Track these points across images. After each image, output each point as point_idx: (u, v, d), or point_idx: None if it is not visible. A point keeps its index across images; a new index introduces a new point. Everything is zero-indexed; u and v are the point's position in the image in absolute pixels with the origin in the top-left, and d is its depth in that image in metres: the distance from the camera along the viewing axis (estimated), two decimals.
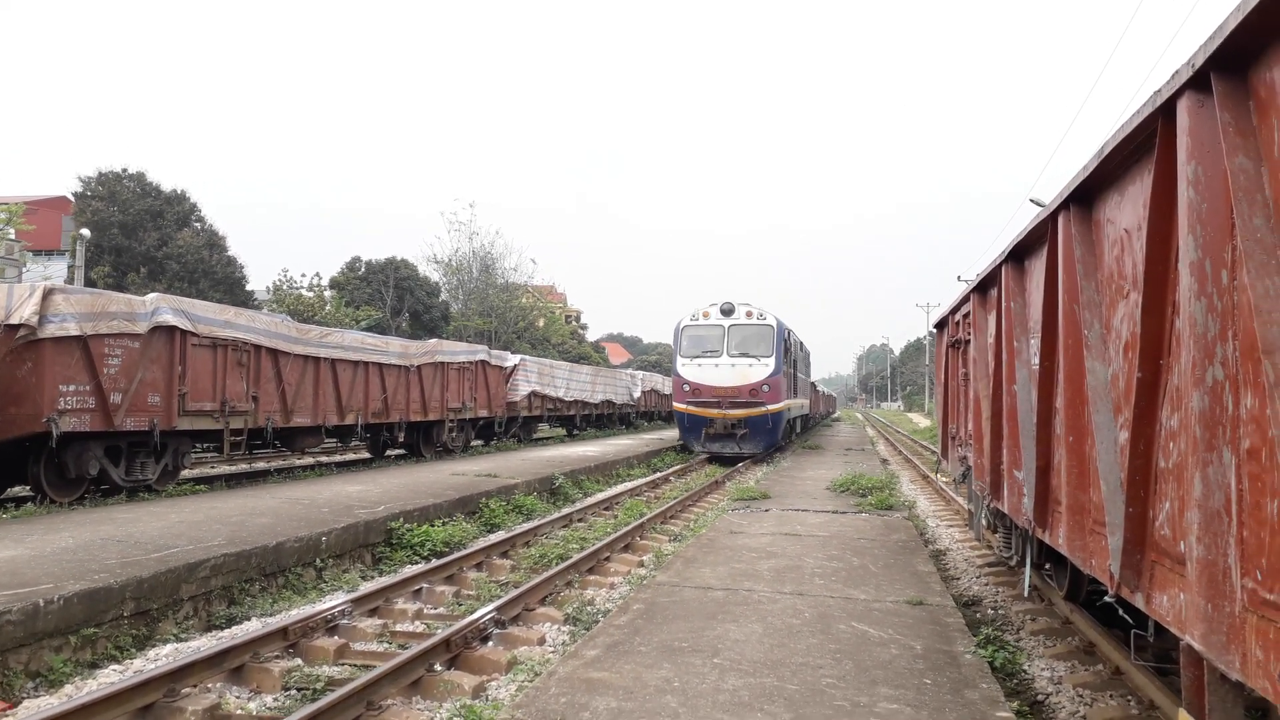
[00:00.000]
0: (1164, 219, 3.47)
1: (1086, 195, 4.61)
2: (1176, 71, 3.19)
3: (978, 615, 8.11)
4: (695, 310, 25.57)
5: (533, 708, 4.65)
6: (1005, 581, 9.21)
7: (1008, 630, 7.59)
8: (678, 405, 25.15)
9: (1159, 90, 3.37)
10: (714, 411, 24.31)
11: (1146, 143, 3.66)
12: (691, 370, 24.81)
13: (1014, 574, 9.14)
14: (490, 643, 6.91)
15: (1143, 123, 3.56)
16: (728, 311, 24.98)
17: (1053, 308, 5.15)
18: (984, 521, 9.26)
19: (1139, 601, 3.81)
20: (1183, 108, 3.15)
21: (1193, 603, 3.08)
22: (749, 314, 24.92)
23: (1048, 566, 7.87)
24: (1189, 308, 3.07)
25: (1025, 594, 7.81)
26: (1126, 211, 4.06)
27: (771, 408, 24.24)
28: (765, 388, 24.11)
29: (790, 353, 26.98)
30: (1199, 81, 3.05)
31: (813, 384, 47.84)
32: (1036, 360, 5.64)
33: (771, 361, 24.39)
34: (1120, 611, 5.10)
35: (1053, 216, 5.09)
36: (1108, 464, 4.13)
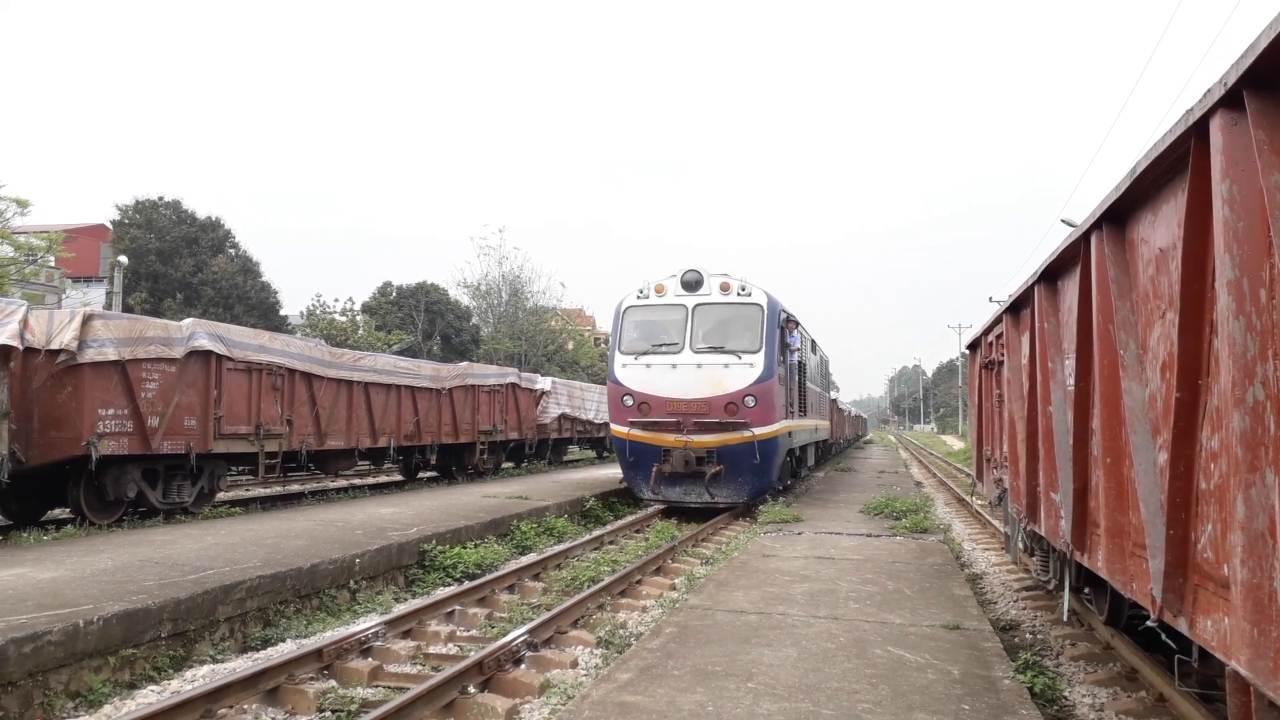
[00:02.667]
0: (1199, 238, 3.44)
1: (1119, 215, 4.58)
2: (1209, 90, 3.18)
3: (1016, 640, 8.00)
4: (645, 284, 16.67)
5: None
6: (1043, 605, 9.08)
7: (1047, 655, 7.47)
8: (616, 429, 16.16)
9: (1191, 109, 3.35)
10: (670, 438, 15.51)
11: (1179, 161, 3.63)
12: (636, 374, 15.99)
13: (1052, 598, 9.01)
14: (523, 665, 6.91)
15: (1175, 141, 3.54)
16: (692, 285, 16.23)
17: (1087, 328, 5.11)
18: (1020, 545, 9.14)
19: (1182, 626, 3.75)
20: (1216, 126, 3.13)
21: (1238, 627, 3.02)
22: (725, 288, 16.15)
23: (1086, 590, 7.76)
24: (1227, 327, 3.03)
25: (1064, 618, 7.69)
26: (1161, 231, 4.03)
27: (761, 431, 15.41)
28: (750, 400, 15.35)
29: (791, 350, 17.91)
30: (1232, 99, 3.03)
31: (834, 400, 37.80)
32: (1072, 381, 5.58)
33: (759, 360, 15.58)
34: (1163, 636, 5.01)
35: (1085, 236, 5.05)
36: (1147, 486, 4.07)
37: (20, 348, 10.92)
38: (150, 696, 6.28)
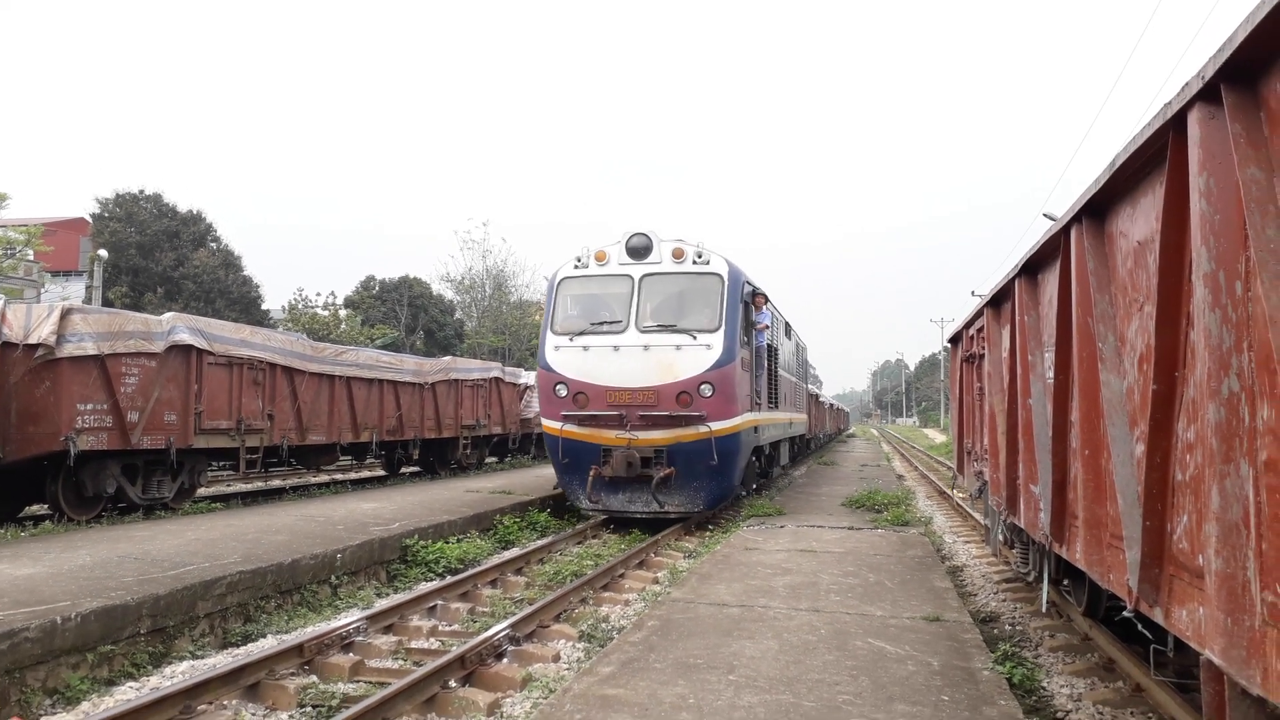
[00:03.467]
0: (1177, 231, 3.46)
1: (1099, 208, 4.60)
2: (1186, 83, 3.19)
3: (995, 631, 8.05)
4: (583, 251, 14.23)
5: None
6: (1023, 597, 9.14)
7: (1026, 646, 7.53)
8: (547, 424, 13.84)
9: (1169, 103, 3.37)
10: (611, 435, 13.15)
11: (1158, 155, 3.66)
12: (572, 359, 13.54)
13: (1032, 590, 9.07)
14: (505, 659, 6.90)
15: (1154, 135, 3.56)
16: (640, 251, 13.80)
17: (1066, 321, 5.13)
18: (1001, 537, 9.20)
19: (1158, 616, 3.78)
20: (1193, 119, 3.14)
21: (1212, 617, 3.05)
22: (678, 255, 13.74)
23: (1065, 582, 7.81)
24: (1203, 320, 3.05)
25: (1043, 610, 7.75)
26: (1139, 224, 4.05)
27: (719, 426, 13.00)
28: (706, 388, 12.94)
29: (758, 329, 15.44)
30: (1209, 93, 3.05)
31: (814, 393, 35.87)
32: (1051, 374, 5.61)
33: (718, 340, 13.16)
34: (1139, 627, 5.06)
35: (1065, 230, 5.08)
36: (1124, 477, 4.10)
37: None
38: (129, 693, 6.23)
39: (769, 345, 16.85)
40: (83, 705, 6.02)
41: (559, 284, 14.17)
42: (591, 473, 13.08)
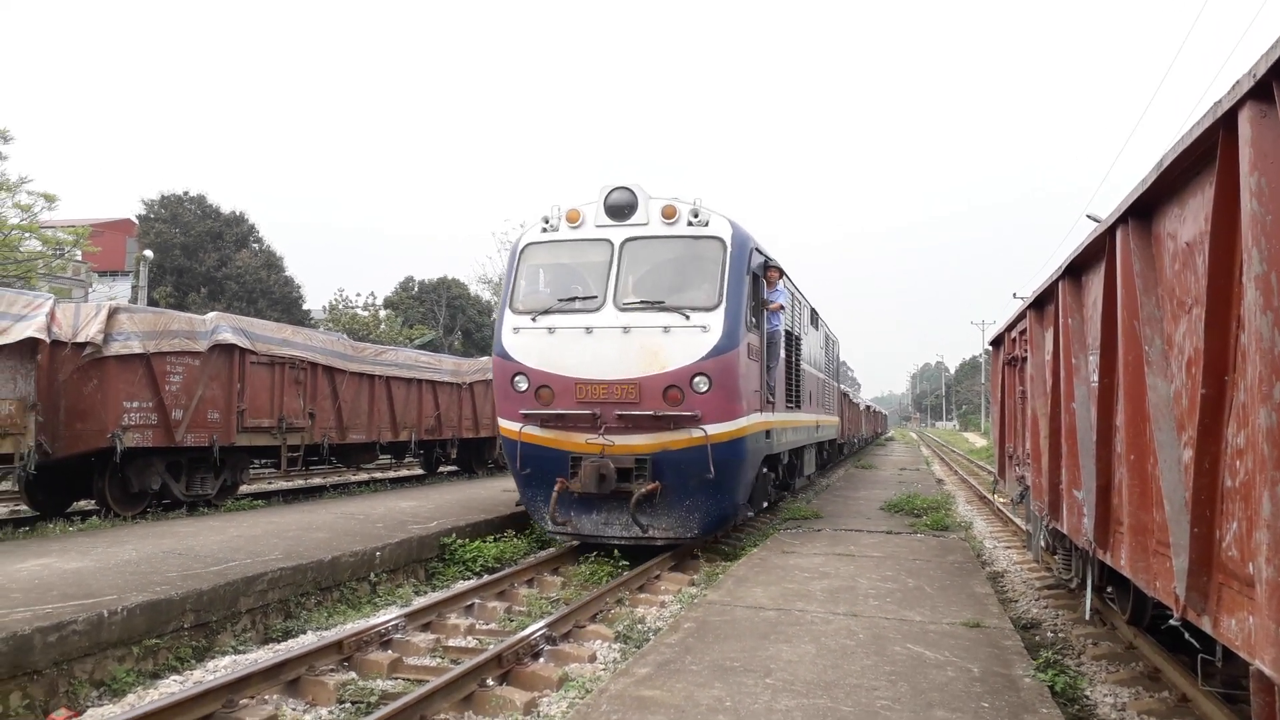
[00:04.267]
0: (1227, 232, 3.39)
1: (1145, 209, 4.52)
2: (1237, 82, 3.13)
3: (1037, 638, 7.94)
4: (552, 211, 11.52)
5: None
6: (1065, 604, 9.01)
7: (1068, 654, 7.42)
8: (504, 425, 11.19)
9: (1219, 101, 3.30)
10: (581, 440, 10.63)
11: (1207, 155, 3.59)
12: (534, 344, 10.97)
13: (1074, 597, 8.93)
14: (542, 659, 6.92)
15: (1203, 134, 3.49)
16: (622, 209, 11.16)
17: (1112, 324, 5.05)
18: (1042, 543, 9.07)
19: (1206, 625, 3.70)
20: (1244, 118, 3.08)
21: (1263, 626, 2.98)
22: (669, 215, 11.04)
23: (1109, 589, 7.69)
24: (1255, 322, 2.99)
25: (1086, 617, 7.63)
26: (1187, 225, 3.98)
27: (718, 429, 10.46)
28: (702, 381, 10.37)
29: (771, 309, 12.37)
30: (1261, 91, 2.98)
31: (845, 392, 31.79)
32: (1096, 377, 5.52)
33: (718, 321, 10.54)
34: (1186, 636, 4.96)
35: (1110, 231, 5.00)
36: (1171, 483, 4.03)
37: (47, 340, 11.04)
38: (173, 686, 6.34)
39: (787, 332, 14.09)
40: (128, 697, 6.13)
41: (521, 251, 11.52)
42: (557, 487, 10.24)
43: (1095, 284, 5.74)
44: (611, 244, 10.99)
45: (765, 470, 12.83)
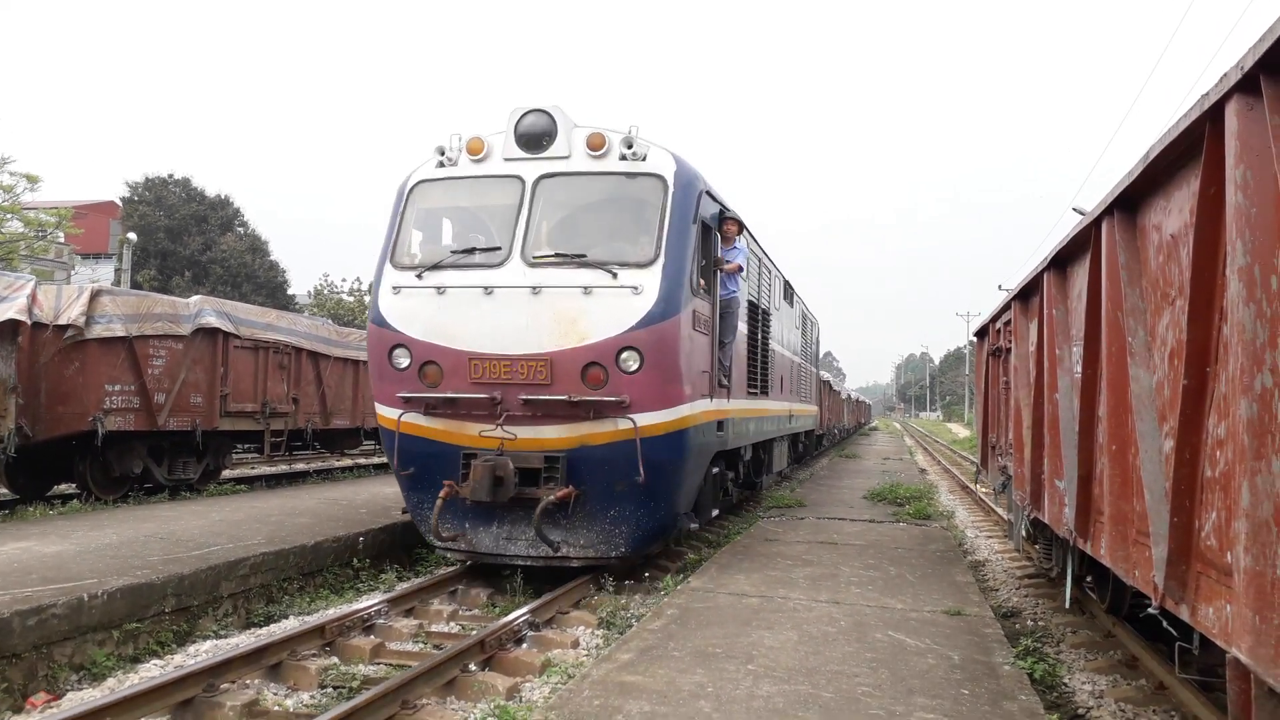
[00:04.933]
0: (1211, 224, 3.41)
1: (1131, 201, 4.54)
2: (1224, 75, 3.14)
3: (1017, 627, 8.00)
4: (450, 142, 9.16)
5: (566, 709, 4.66)
6: (1045, 593, 9.08)
7: (1048, 642, 7.48)
8: (382, 412, 8.96)
9: (1206, 94, 3.31)
10: (474, 431, 8.41)
11: (1193, 147, 3.60)
12: (417, 308, 8.71)
13: (1054, 586, 9.01)
14: (524, 645, 6.93)
15: (1189, 127, 3.50)
16: (537, 139, 8.85)
17: (1096, 315, 5.08)
18: (1024, 532, 9.14)
19: (1184, 614, 3.74)
20: (1231, 111, 3.09)
21: (1240, 614, 3.01)
22: (596, 146, 8.72)
23: (1089, 578, 7.75)
24: (1237, 314, 3.01)
25: (1066, 606, 7.69)
26: (1173, 217, 4.00)
27: (652, 419, 8.23)
28: (631, 357, 8.12)
29: (725, 272, 10.02)
30: (1248, 84, 3.00)
31: (826, 379, 29.12)
32: (1079, 368, 5.56)
33: (654, 280, 8.26)
34: (1164, 624, 5.01)
35: (1096, 223, 5.02)
36: (1152, 473, 4.06)
37: (28, 322, 10.95)
38: (153, 670, 6.31)
39: (751, 303, 12.03)
40: (108, 681, 6.10)
41: (410, 192, 9.17)
42: (442, 493, 8.08)
43: (1080, 276, 5.77)
44: (522, 182, 8.70)
45: (718, 470, 10.63)
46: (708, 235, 9.41)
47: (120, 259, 36.97)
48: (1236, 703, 3.42)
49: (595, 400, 8.04)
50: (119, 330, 11.89)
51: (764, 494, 15.64)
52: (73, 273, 43.62)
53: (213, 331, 13.50)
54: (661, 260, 8.27)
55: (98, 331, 11.64)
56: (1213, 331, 3.48)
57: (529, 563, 8.48)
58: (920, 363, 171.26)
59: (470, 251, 8.78)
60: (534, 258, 8.43)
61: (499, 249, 8.62)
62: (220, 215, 48.50)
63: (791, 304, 17.59)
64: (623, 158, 8.68)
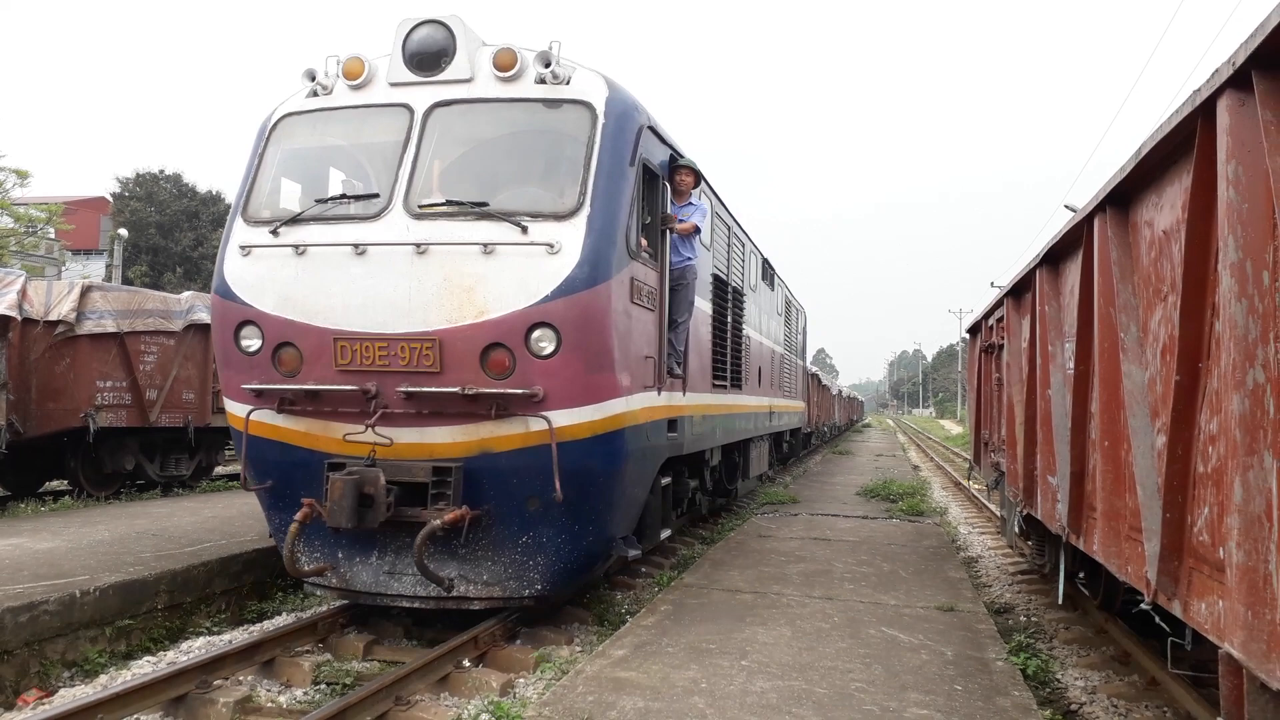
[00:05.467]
0: (1203, 220, 3.42)
1: (1123, 197, 4.55)
2: (1217, 70, 3.15)
3: (1010, 623, 8.02)
4: (325, 65, 7.20)
5: (560, 706, 4.66)
6: (1038, 589, 9.11)
7: (1040, 638, 7.50)
8: (231, 408, 7.08)
9: (1198, 89, 3.32)
10: (338, 437, 6.46)
11: (1185, 143, 3.61)
12: (271, 272, 6.75)
13: (1047, 582, 9.04)
14: (518, 641, 6.92)
15: (1181, 122, 3.51)
16: (432, 59, 6.92)
17: (1088, 311, 5.09)
18: (1017, 528, 9.16)
19: (1176, 609, 3.75)
20: (1223, 107, 3.10)
21: (1232, 610, 3.02)
22: (505, 66, 6.78)
23: (1081, 574, 7.78)
24: (1229, 310, 3.02)
25: (1059, 602, 7.72)
26: (1165, 213, 4.01)
27: (573, 419, 6.32)
28: (545, 337, 6.22)
29: (677, 232, 8.00)
30: (1240, 80, 3.00)
31: (814, 372, 27.50)
32: (1071, 364, 5.57)
33: (577, 234, 6.36)
34: (1157, 620, 5.03)
35: (1088, 219, 5.03)
36: (1144, 469, 4.07)
37: (19, 318, 10.90)
38: (146, 667, 6.30)
39: (718, 278, 10.49)
40: (100, 678, 6.08)
41: (272, 129, 7.34)
42: (299, 514, 6.37)
43: (1073, 272, 5.78)
44: (410, 112, 6.91)
45: (669, 480, 8.64)
46: (653, 184, 7.63)
47: (111, 255, 36.84)
48: (1229, 698, 3.43)
49: (498, 393, 6.21)
50: (110, 326, 11.85)
51: (740, 502, 14.46)
52: (63, 268, 43.42)
53: (205, 327, 13.43)
54: (587, 211, 6.45)
55: (89, 327, 11.60)
56: (1205, 327, 3.48)
57: (417, 604, 6.73)
58: (913, 359, 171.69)
59: (339, 200, 6.98)
60: (420, 207, 6.60)
61: (376, 196, 6.82)
62: (212, 211, 48.33)
63: (773, 287, 15.78)
64: (540, 81, 6.84)
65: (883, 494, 15.43)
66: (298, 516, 6.38)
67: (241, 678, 5.98)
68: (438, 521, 6.08)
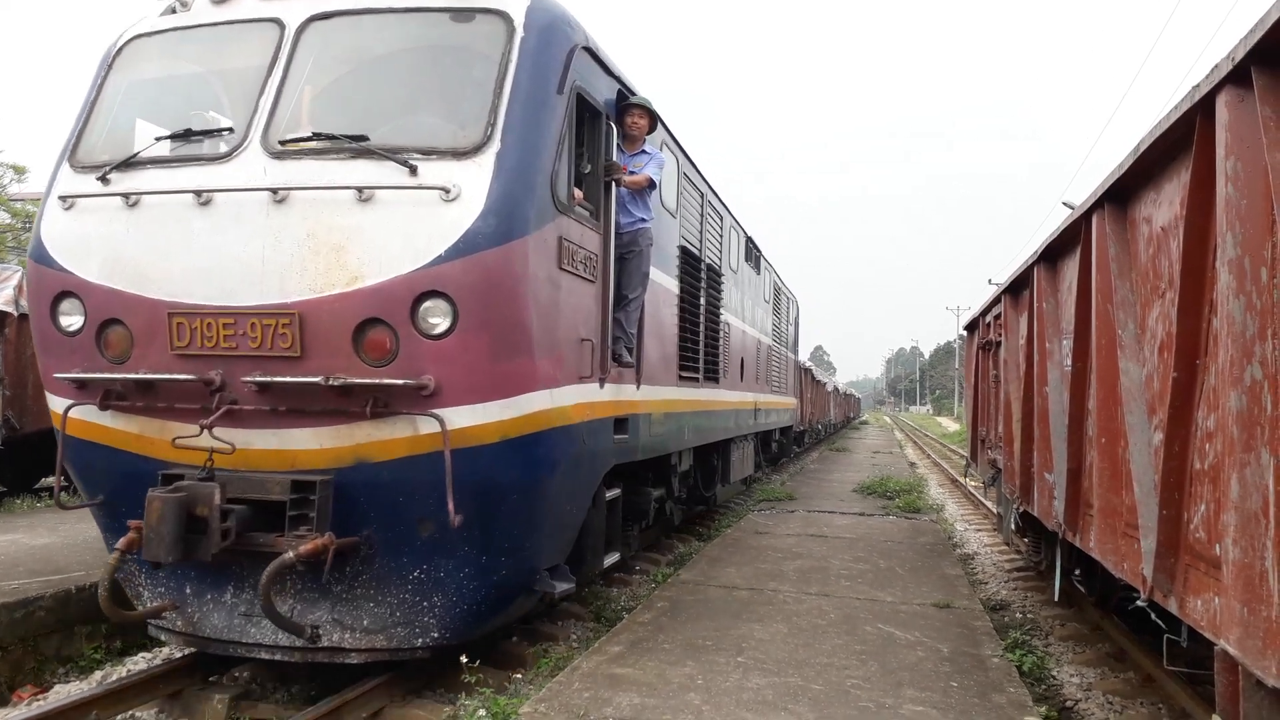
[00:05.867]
0: (1202, 216, 3.41)
1: (1121, 194, 4.55)
2: (1216, 66, 3.14)
3: (1006, 619, 8.03)
4: None
5: (556, 702, 4.66)
6: (1034, 586, 9.11)
7: (1036, 635, 7.50)
8: (50, 396, 5.61)
9: (1197, 85, 3.31)
10: (172, 434, 5.06)
11: (1184, 139, 3.60)
12: (97, 230, 5.29)
13: (1043, 579, 9.04)
14: (514, 637, 6.91)
15: (1181, 118, 3.50)
16: None
17: (1086, 308, 5.09)
18: (1013, 525, 9.16)
19: (1172, 606, 3.75)
20: (1222, 103, 3.09)
21: (1228, 607, 3.02)
22: None
23: (1077, 571, 7.78)
24: (1227, 306, 3.01)
25: (1055, 599, 7.72)
26: (1163, 209, 4.00)
27: (477, 417, 4.92)
28: (437, 310, 4.82)
29: (624, 185, 6.45)
30: (1239, 76, 3.00)
31: (807, 367, 26.01)
32: (1069, 361, 5.57)
33: (482, 174, 4.94)
34: (1153, 617, 5.03)
35: (1086, 216, 5.03)
36: (1141, 466, 4.07)
37: (15, 314, 10.88)
38: (142, 663, 6.29)
39: (690, 253, 9.12)
40: (96, 674, 6.07)
41: (117, 55, 6.01)
42: (122, 541, 5.04)
43: (1070, 269, 5.78)
44: (280, 27, 5.55)
45: (618, 491, 7.15)
46: (594, 124, 6.20)
47: None
48: (1224, 695, 3.43)
49: (375, 384, 4.84)
50: None
51: (718, 511, 13.06)
52: None
53: None
54: (496, 146, 5.04)
55: None
56: (1202, 324, 3.48)
57: (279, 656, 5.29)
58: (910, 356, 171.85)
59: (185, 138, 5.52)
60: (282, 144, 5.20)
61: (228, 130, 5.51)
62: None
63: (758, 270, 14.28)
64: None
65: (879, 491, 15.44)
66: (119, 545, 4.99)
67: (237, 674, 5.91)
68: (290, 554, 4.67)
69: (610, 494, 6.90)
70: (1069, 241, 5.82)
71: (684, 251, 8.87)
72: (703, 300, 9.74)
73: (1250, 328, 2.90)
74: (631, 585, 8.89)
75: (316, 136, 5.21)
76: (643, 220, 6.83)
